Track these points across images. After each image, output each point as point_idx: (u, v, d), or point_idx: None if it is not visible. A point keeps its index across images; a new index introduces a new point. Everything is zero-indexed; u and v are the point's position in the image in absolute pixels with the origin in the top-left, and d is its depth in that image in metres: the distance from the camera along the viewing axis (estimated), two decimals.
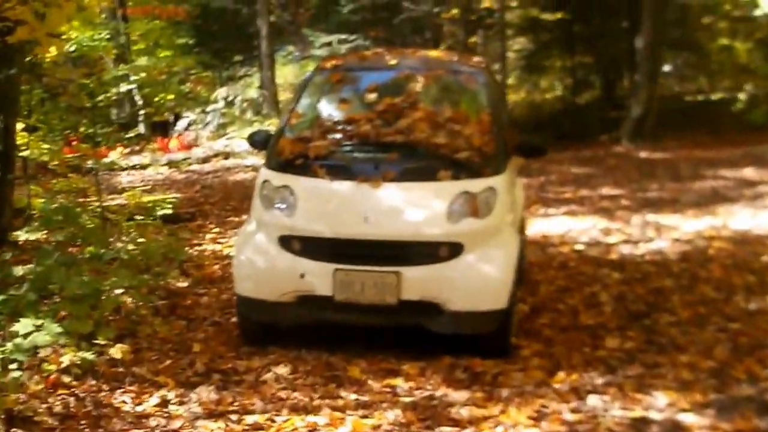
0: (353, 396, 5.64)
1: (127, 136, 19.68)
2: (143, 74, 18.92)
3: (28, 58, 9.62)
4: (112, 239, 8.94)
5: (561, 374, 5.98)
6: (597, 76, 24.98)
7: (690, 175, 14.92)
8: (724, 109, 22.03)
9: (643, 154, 17.87)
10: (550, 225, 11.01)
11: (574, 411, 5.42)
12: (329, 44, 23.79)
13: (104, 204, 10.20)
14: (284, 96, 22.61)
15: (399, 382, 5.84)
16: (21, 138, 9.52)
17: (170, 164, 17.98)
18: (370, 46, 21.47)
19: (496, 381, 5.89)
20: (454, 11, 23.63)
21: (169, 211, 10.33)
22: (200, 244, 10.12)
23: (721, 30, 25.48)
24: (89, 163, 10.28)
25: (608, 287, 8.18)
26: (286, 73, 24.93)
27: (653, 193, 13.45)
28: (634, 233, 10.55)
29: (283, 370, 6.04)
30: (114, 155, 17.51)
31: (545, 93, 27.36)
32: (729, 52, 25.23)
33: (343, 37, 23.42)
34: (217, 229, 11.09)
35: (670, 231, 10.58)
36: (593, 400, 5.56)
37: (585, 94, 25.37)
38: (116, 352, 5.92)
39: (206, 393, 5.66)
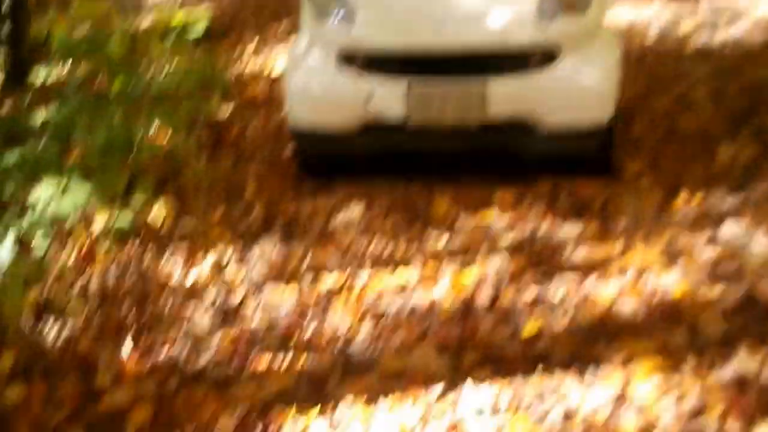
0: (444, 239, 4.80)
1: None
2: None
3: None
4: (141, 68, 7.91)
5: (682, 196, 5.09)
6: None
7: None
8: None
9: None
10: (611, 15, 9.86)
11: (710, 241, 4.55)
12: None
13: (130, 25, 9.14)
14: None
15: (493, 216, 4.99)
16: None
17: None
18: None
19: (608, 209, 5.02)
20: None
21: (204, 28, 9.23)
22: (240, 60, 8.93)
23: None
24: None
25: (698, 84, 7.17)
26: None
27: None
28: (706, 19, 9.42)
29: (355, 210, 5.16)
30: None
31: None
32: None
33: None
34: (256, 38, 9.76)
35: (746, 13, 9.35)
36: (730, 228, 4.67)
37: None
38: (159, 210, 4.99)
39: (270, 247, 4.81)
